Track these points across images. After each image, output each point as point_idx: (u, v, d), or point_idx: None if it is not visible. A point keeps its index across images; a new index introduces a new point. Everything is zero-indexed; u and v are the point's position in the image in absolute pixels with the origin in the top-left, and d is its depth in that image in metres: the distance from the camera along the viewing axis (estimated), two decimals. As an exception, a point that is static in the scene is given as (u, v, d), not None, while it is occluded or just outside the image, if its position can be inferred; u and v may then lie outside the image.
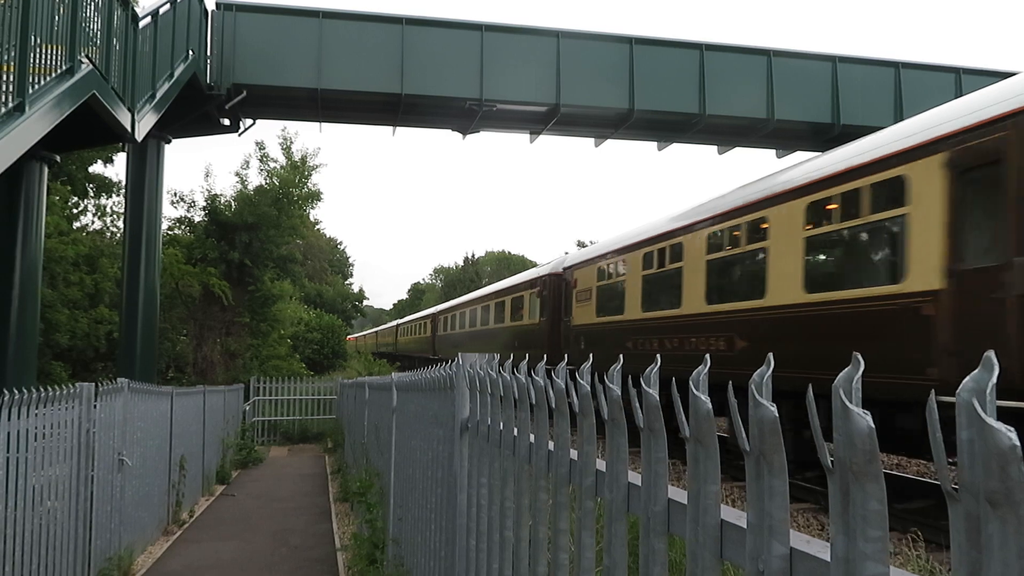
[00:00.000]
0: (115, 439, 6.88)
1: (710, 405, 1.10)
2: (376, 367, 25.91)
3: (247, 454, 15.76)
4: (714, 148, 19.08)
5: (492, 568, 2.24)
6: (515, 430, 2.12)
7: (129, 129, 9.05)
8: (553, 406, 1.72)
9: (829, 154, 9.45)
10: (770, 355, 1.07)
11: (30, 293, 9.29)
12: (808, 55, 17.47)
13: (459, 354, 2.74)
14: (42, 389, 5.17)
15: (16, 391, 4.66)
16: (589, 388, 1.56)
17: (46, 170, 9.27)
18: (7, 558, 4.55)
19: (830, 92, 17.19)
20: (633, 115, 16.44)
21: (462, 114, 16.11)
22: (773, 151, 19.37)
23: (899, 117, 16.01)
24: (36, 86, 6.58)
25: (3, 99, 5.98)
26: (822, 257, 9.04)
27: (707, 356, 1.20)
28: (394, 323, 51.13)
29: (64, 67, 7.20)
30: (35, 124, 6.36)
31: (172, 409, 9.51)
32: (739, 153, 20.80)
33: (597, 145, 18.45)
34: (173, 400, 9.56)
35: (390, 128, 17.36)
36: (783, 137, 18.10)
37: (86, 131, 8.73)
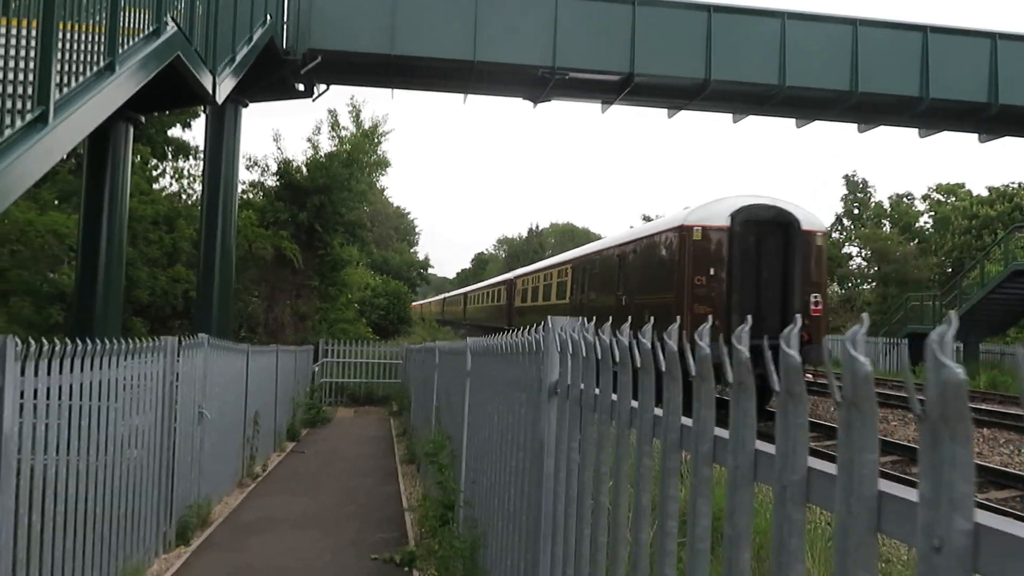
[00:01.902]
0: (195, 392, 7.10)
1: (870, 367, 1.01)
2: (441, 334, 26.19)
3: (315, 414, 16.17)
4: (792, 121, 18.44)
5: (583, 533, 2.20)
6: (613, 396, 2.05)
7: (210, 91, 9.22)
8: (663, 369, 1.65)
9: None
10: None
11: (116, 249, 9.62)
12: (897, 25, 16.69)
13: (548, 317, 2.69)
14: (128, 341, 5.34)
15: (104, 342, 4.82)
16: (708, 351, 1.48)
17: (132, 130, 9.53)
18: (97, 502, 4.75)
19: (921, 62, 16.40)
20: (709, 85, 15.98)
21: (534, 82, 15.93)
22: (855, 125, 18.65)
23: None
24: (124, 47, 6.73)
25: (95, 59, 6.13)
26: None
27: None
28: (462, 290, 48.83)
29: (151, 28, 7.35)
30: (124, 83, 6.52)
31: (248, 366, 9.78)
32: (818, 127, 20.08)
33: (670, 116, 18.04)
34: (249, 357, 9.82)
35: (460, 96, 17.31)
36: (864, 111, 17.41)
37: (170, 93, 8.93)
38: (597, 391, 2.17)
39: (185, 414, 6.72)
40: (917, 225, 58.76)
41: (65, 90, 5.43)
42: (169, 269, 22.75)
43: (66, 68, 5.53)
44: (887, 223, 59.80)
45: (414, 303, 51.14)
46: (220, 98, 9.76)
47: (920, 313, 27.58)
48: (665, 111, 17.94)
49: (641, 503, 1.76)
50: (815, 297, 14.25)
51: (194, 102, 10.16)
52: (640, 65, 15.55)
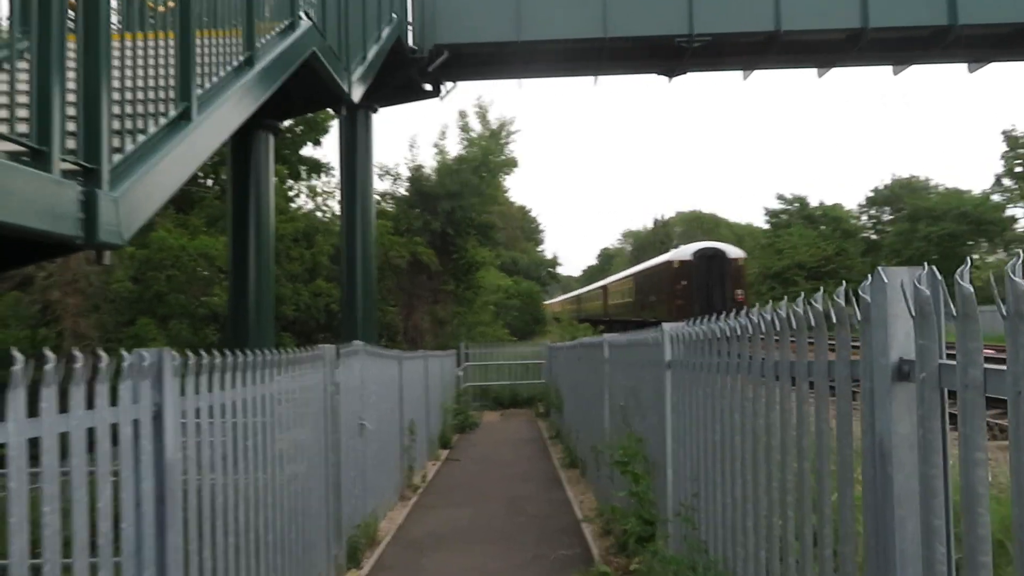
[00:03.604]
0: (355, 402, 6.68)
1: None
2: (581, 331, 25.47)
3: (464, 419, 15.82)
4: (964, 66, 16.42)
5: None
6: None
7: (346, 90, 8.88)
8: None
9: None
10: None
11: (264, 263, 9.48)
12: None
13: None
14: (286, 350, 4.90)
15: (263, 352, 4.36)
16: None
17: (271, 140, 9.36)
18: (266, 529, 4.29)
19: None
20: (866, 35, 14.38)
21: (669, 54, 14.89)
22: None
23: None
24: (261, 43, 6.40)
25: (232, 58, 5.78)
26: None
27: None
28: (601, 283, 47.81)
29: (285, 23, 7.01)
30: (263, 79, 6.17)
31: (401, 373, 9.39)
32: (994, 69, 17.83)
33: (820, 75, 16.48)
34: (401, 364, 9.44)
35: (590, 78, 16.51)
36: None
37: (305, 96, 8.66)
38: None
39: (347, 426, 6.29)
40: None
41: (208, 84, 5.07)
42: (311, 284, 23.25)
43: (206, 70, 5.18)
44: (1057, 179, 53.83)
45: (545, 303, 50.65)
46: (356, 97, 9.44)
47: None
48: (815, 70, 16.41)
49: None
50: (739, 291, 26.63)
51: (330, 104, 9.91)
52: (787, 20, 14.17)
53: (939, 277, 1.72)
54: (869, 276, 1.88)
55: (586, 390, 9.06)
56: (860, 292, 1.91)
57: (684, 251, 28.76)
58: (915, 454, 1.71)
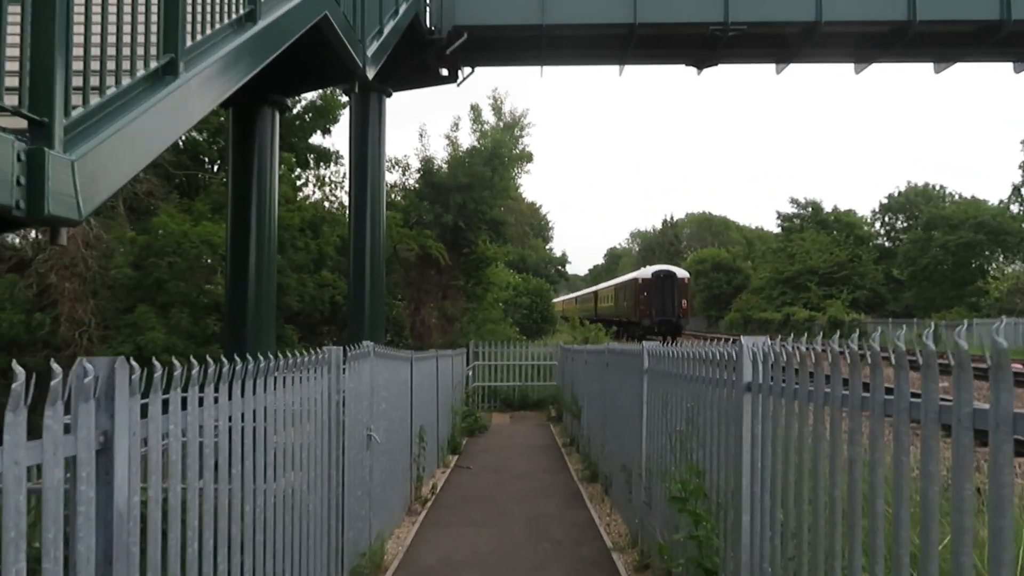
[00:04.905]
0: (363, 412, 5.89)
1: None
2: (593, 332, 24.65)
3: (473, 421, 15.04)
4: (1009, 65, 15.54)
5: None
6: None
7: (360, 64, 8.08)
8: None
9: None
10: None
11: (266, 249, 8.70)
12: None
13: None
14: (291, 354, 4.11)
15: (261, 357, 3.58)
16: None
17: (277, 117, 8.57)
18: (258, 573, 3.50)
19: None
20: (912, 28, 13.52)
21: (702, 43, 14.04)
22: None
23: None
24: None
25: (233, 13, 4.98)
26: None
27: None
28: (593, 289, 53.06)
29: (295, -20, 6.21)
30: (267, 39, 5.37)
31: (412, 375, 8.60)
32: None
33: (858, 72, 15.62)
34: (412, 366, 8.65)
35: (615, 68, 15.67)
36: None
37: (315, 66, 7.86)
38: None
39: (353, 440, 5.50)
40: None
41: (200, 36, 4.27)
42: (315, 275, 22.48)
43: (198, 19, 4.38)
44: (1081, 190, 52.78)
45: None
46: (370, 74, 8.64)
47: None
48: (852, 66, 15.55)
49: None
50: (683, 301, 38.40)
51: (342, 79, 9.13)
52: (828, 10, 13.32)
53: None
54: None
55: (615, 402, 8.25)
56: None
57: (646, 271, 41.27)
58: None
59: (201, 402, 2.96)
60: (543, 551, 6.69)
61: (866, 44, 14.45)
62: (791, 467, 3.14)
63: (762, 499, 3.52)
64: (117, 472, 2.27)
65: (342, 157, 27.96)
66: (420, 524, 7.74)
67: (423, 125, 27.62)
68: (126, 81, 3.47)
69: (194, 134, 24.63)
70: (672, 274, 39.27)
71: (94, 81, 3.23)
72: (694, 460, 4.53)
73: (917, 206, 63.36)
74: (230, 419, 3.25)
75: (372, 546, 5.93)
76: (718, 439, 4.17)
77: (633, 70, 16.02)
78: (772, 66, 15.68)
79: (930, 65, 15.87)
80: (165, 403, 2.69)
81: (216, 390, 3.08)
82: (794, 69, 15.76)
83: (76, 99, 3.07)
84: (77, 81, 3.13)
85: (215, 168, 25.58)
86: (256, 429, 3.55)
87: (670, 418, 5.32)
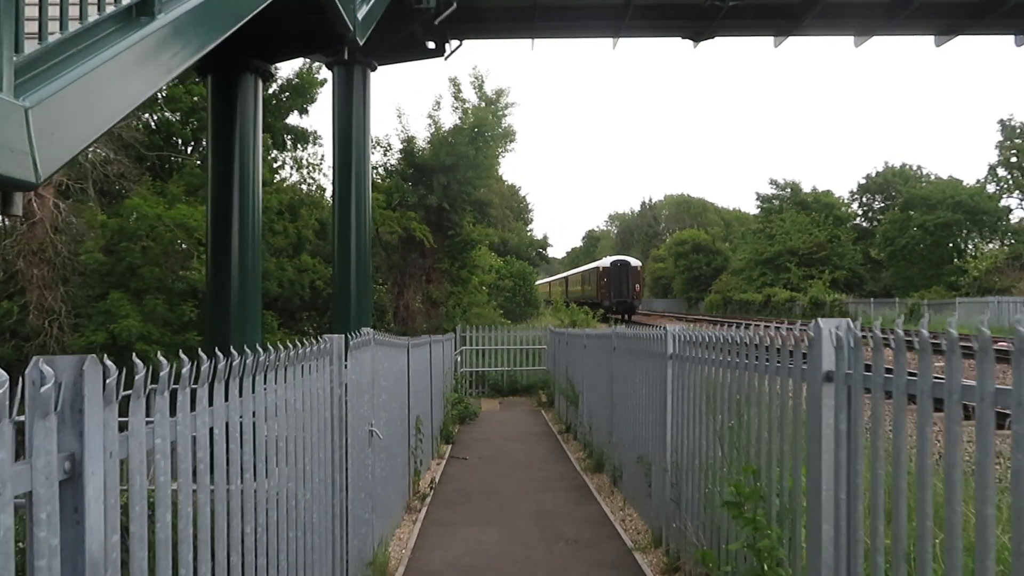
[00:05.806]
0: (365, 406, 5.34)
1: None
2: (580, 316, 24.17)
3: (463, 408, 14.53)
4: (1010, 39, 15.18)
5: None
6: None
7: (352, 27, 7.44)
8: None
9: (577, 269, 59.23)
10: None
11: (250, 231, 8.06)
12: None
13: None
14: (280, 344, 3.54)
15: (252, 349, 3.01)
16: None
17: (260, 85, 7.91)
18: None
19: None
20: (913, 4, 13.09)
21: (701, 14, 13.50)
22: None
23: None
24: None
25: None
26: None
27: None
28: (564, 275, 55.03)
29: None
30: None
31: (409, 363, 8.05)
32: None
33: (857, 45, 15.17)
34: (409, 353, 8.10)
35: (609, 41, 15.07)
36: None
37: (301, 27, 7.21)
38: None
39: (355, 438, 4.95)
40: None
41: (177, -24, 3.65)
42: (295, 259, 21.79)
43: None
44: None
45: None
46: (361, 39, 7.99)
47: None
48: (852, 38, 15.10)
49: None
50: (636, 286, 47.31)
51: (329, 44, 8.47)
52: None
53: None
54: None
55: (626, 388, 7.76)
56: None
57: (605, 261, 49.05)
58: None
59: (193, 406, 2.39)
60: (559, 552, 6.20)
61: (870, 15, 13.99)
62: (901, 473, 2.64)
63: (849, 508, 3.03)
64: (89, 508, 1.72)
65: (320, 138, 27.13)
66: (421, 523, 7.22)
67: (400, 105, 26.87)
68: (93, 16, 2.86)
69: (167, 114, 23.71)
70: (627, 263, 47.46)
71: (53, 12, 2.62)
72: (747, 458, 4.03)
73: (894, 187, 63.51)
74: (227, 425, 2.70)
75: (376, 553, 5.40)
76: (782, 436, 3.68)
77: (618, 47, 15.36)
78: (766, 41, 15.20)
79: (910, 46, 15.49)
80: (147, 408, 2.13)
81: (212, 392, 2.52)
82: (772, 52, 15.28)
83: (31, 30, 2.47)
84: (32, 12, 2.53)
85: (188, 150, 24.68)
86: (256, 434, 3.00)
87: (709, 410, 4.82)
